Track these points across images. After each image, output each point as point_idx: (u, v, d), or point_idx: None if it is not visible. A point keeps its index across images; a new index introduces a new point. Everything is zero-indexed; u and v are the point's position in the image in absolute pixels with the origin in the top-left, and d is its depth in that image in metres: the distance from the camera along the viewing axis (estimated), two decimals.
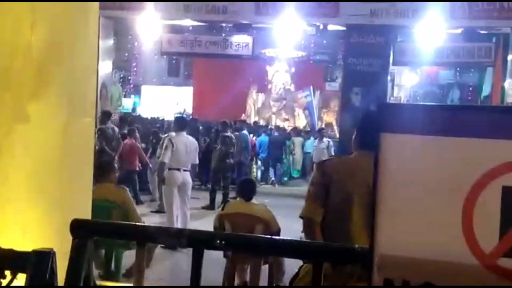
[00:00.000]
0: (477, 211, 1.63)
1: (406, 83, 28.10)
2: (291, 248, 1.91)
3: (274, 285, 6.51)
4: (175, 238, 1.88)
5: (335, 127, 24.14)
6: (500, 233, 1.61)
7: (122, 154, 12.37)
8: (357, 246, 1.91)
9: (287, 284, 6.39)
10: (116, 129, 12.80)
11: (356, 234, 3.38)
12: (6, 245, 2.06)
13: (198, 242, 1.87)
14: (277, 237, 2.01)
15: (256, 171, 17.38)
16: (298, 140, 19.62)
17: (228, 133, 13.66)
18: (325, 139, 17.07)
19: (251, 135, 17.46)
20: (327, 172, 3.53)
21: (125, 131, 13.32)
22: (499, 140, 1.62)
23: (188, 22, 18.45)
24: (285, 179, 18.99)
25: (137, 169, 12.84)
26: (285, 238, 2.02)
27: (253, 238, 2.11)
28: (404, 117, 1.73)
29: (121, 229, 2.19)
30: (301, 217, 3.56)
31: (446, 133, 1.67)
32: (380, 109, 1.74)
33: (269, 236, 2.01)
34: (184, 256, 8.27)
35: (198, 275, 1.88)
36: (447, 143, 1.67)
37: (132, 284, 2.07)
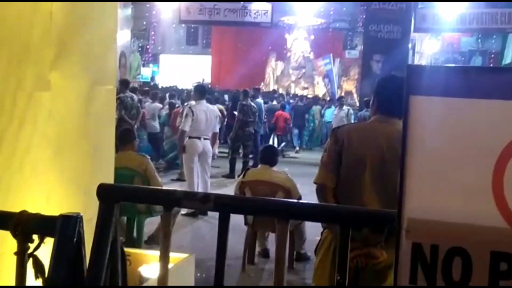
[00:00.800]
0: (507, 174, 1.61)
1: (427, 51, 27.80)
2: (318, 213, 1.90)
3: (295, 252, 6.56)
4: (202, 203, 1.88)
5: (355, 95, 23.99)
6: None
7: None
8: (385, 210, 1.89)
9: (307, 251, 6.46)
10: (135, 97, 12.79)
11: (368, 199, 3.36)
12: (31, 211, 2.07)
13: (225, 206, 1.86)
14: (302, 201, 2.00)
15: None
16: (317, 108, 19.53)
17: (248, 102, 13.59)
18: (344, 107, 16.97)
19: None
20: (339, 139, 3.50)
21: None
22: None
23: None
24: (304, 146, 18.98)
25: None
26: (310, 202, 2.00)
27: (279, 202, 2.10)
28: (433, 79, 1.69)
29: (148, 193, 2.20)
30: (315, 183, 3.55)
31: (476, 95, 1.63)
32: (409, 71, 1.70)
33: (295, 201, 2.00)
34: (205, 223, 8.34)
35: (225, 239, 1.88)
36: (477, 105, 1.64)
37: (158, 252, 2.07)
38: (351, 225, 1.80)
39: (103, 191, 1.99)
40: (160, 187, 5.54)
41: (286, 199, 2.00)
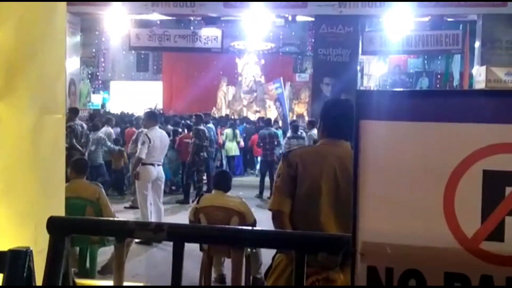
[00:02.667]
0: (458, 195, 1.63)
1: (375, 73, 28.30)
2: (272, 239, 1.89)
3: (251, 276, 6.52)
4: (155, 233, 1.85)
5: (306, 118, 24.17)
6: (482, 216, 1.62)
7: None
8: (339, 234, 1.89)
9: (263, 276, 6.42)
10: (85, 125, 12.70)
11: (326, 222, 3.38)
12: None
13: (178, 236, 1.84)
14: (257, 228, 1.99)
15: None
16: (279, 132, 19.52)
17: (201, 126, 13.58)
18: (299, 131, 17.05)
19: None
20: (292, 163, 3.51)
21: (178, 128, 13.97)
22: (478, 124, 1.62)
23: (156, 17, 18.32)
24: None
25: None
26: (265, 228, 2.00)
27: (234, 230, 2.09)
28: (382, 104, 1.72)
29: (100, 225, 2.16)
30: (269, 209, 3.55)
31: (425, 118, 1.66)
32: (358, 96, 1.72)
33: (249, 228, 1.99)
34: (159, 251, 8.23)
35: (180, 268, 1.86)
36: (426, 128, 1.67)
37: (111, 282, 2.03)
38: (306, 250, 1.80)
39: (53, 224, 1.95)
40: (112, 218, 5.44)
41: (239, 227, 1.98)
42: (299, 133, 14.49)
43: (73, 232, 2.03)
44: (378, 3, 16.14)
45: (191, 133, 13.70)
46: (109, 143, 13.00)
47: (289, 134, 14.75)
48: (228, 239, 1.85)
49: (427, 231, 1.65)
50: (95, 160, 12.59)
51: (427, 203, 1.66)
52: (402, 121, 1.68)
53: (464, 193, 1.63)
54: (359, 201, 1.70)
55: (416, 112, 1.66)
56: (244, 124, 20.36)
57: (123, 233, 1.91)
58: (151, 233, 1.88)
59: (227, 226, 1.89)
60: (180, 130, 15.10)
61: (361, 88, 23.65)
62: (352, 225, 1.71)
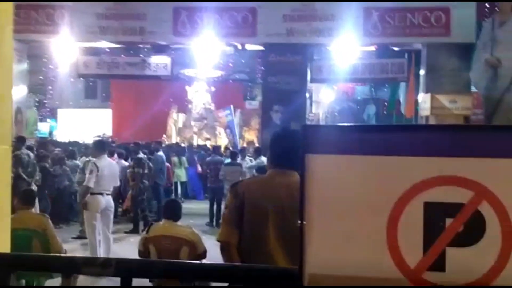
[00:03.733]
0: (401, 227, 1.68)
1: (324, 100, 28.68)
2: (218, 273, 1.90)
3: None
4: (103, 268, 1.84)
5: (257, 145, 24.29)
6: (424, 247, 1.66)
7: None
8: (286, 267, 1.92)
9: None
10: (32, 154, 12.47)
11: (273, 253, 3.39)
12: None
13: (126, 271, 1.83)
14: (203, 262, 2.00)
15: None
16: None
17: (140, 155, 13.52)
18: (247, 158, 17.09)
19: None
20: (239, 194, 3.53)
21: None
22: (418, 157, 1.68)
23: (104, 44, 18.21)
24: None
25: None
26: (211, 262, 2.01)
27: (182, 264, 2.08)
28: (327, 138, 1.76)
29: (45, 261, 2.12)
30: (218, 240, 3.55)
31: (365, 151, 1.71)
32: (304, 130, 1.76)
33: (197, 262, 1.99)
34: (108, 282, 8.08)
35: None
36: (369, 161, 1.71)
37: None
38: (255, 284, 1.81)
39: None
40: (58, 254, 5.35)
41: (188, 261, 1.97)
42: (238, 160, 14.56)
43: (19, 268, 2.00)
44: (326, 32, 16.44)
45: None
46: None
47: (226, 161, 14.83)
48: (176, 274, 1.84)
49: (372, 263, 1.69)
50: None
51: (371, 235, 1.69)
52: (346, 154, 1.73)
53: (407, 225, 1.68)
54: (305, 233, 1.73)
55: (359, 145, 1.71)
56: (201, 151, 20.52)
57: (70, 269, 1.89)
58: (98, 268, 1.86)
59: (175, 260, 1.87)
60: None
61: (310, 115, 23.94)
62: (299, 258, 1.74)
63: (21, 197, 6.55)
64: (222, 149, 20.26)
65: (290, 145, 3.58)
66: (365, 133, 1.75)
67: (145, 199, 13.50)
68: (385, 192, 1.69)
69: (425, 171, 1.67)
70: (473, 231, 1.65)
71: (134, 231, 12.72)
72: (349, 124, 1.79)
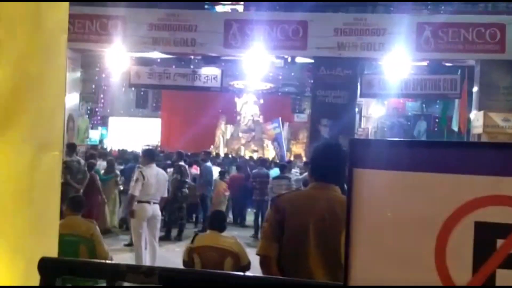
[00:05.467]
0: (450, 247, 1.63)
1: (373, 115, 28.42)
2: (266, 286, 1.88)
3: None
4: (146, 276, 1.84)
5: (304, 158, 24.22)
6: (473, 268, 1.61)
7: None
8: (331, 283, 1.88)
9: None
10: (82, 161, 12.65)
11: (313, 268, 3.35)
12: None
13: (170, 280, 1.83)
14: (249, 274, 1.98)
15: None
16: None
17: (181, 163, 13.57)
18: (293, 171, 17.03)
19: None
20: (280, 208, 3.50)
21: None
22: (471, 175, 1.63)
23: (156, 55, 18.47)
24: None
25: None
26: (259, 275, 1.99)
27: (226, 275, 2.07)
28: (375, 153, 1.73)
29: (90, 267, 2.14)
30: (257, 254, 3.53)
31: (417, 168, 1.67)
32: (352, 144, 1.73)
33: (240, 273, 1.97)
34: None
35: None
36: (417, 178, 1.67)
37: None
38: None
39: (44, 265, 1.94)
40: (103, 260, 5.40)
41: (232, 273, 1.97)
42: (286, 174, 14.50)
43: (65, 273, 2.01)
44: (377, 46, 16.32)
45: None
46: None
47: (272, 173, 14.79)
48: (220, 285, 1.83)
49: (418, 282, 1.65)
50: None
51: (418, 253, 1.65)
52: (395, 170, 1.69)
53: (456, 245, 1.63)
54: (351, 249, 1.70)
55: (408, 161, 1.67)
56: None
57: (114, 275, 1.90)
58: (142, 276, 1.86)
59: (219, 271, 1.86)
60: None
61: (359, 130, 23.75)
62: (344, 273, 1.71)
63: (70, 203, 6.66)
64: (270, 160, 20.21)
65: (332, 159, 3.54)
66: (415, 149, 1.71)
67: (183, 208, 13.42)
68: (434, 210, 1.65)
69: (477, 190, 1.62)
70: None
71: (165, 237, 12.64)
72: (398, 139, 1.74)
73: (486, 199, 1.62)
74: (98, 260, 4.88)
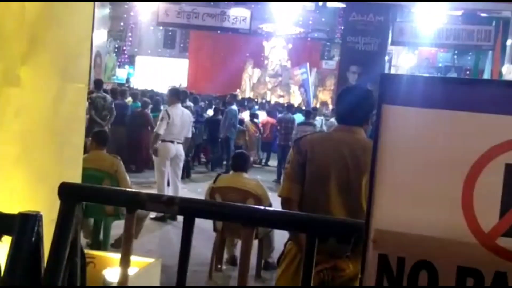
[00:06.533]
0: (478, 188, 1.58)
1: (403, 64, 28.02)
2: (285, 220, 1.86)
3: (263, 260, 6.51)
4: (166, 206, 1.83)
5: (330, 106, 24.08)
6: (501, 211, 1.56)
7: None
8: (352, 220, 1.86)
9: (276, 260, 6.40)
10: (109, 98, 12.60)
11: (334, 210, 3.33)
12: None
13: (189, 210, 1.81)
14: (270, 208, 1.96)
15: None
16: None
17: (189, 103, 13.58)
18: (318, 118, 16.90)
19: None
20: (302, 150, 3.46)
21: None
22: (503, 115, 1.56)
23: None
24: None
25: None
26: (278, 209, 1.96)
27: (245, 208, 2.05)
28: (406, 89, 1.67)
29: (110, 194, 2.13)
30: (279, 196, 3.52)
31: (449, 106, 1.61)
32: (382, 80, 1.67)
33: (262, 207, 1.95)
34: (173, 228, 8.25)
35: (189, 244, 1.83)
36: (449, 117, 1.61)
37: (119, 254, 2.01)
38: (318, 233, 1.76)
39: (64, 190, 1.93)
40: (123, 188, 5.43)
41: (252, 205, 1.95)
42: (311, 120, 14.42)
43: (84, 199, 2.01)
44: None
45: None
46: None
47: (301, 120, 14.71)
48: (239, 217, 1.81)
49: (442, 223, 1.61)
50: None
51: (445, 194, 1.61)
52: (426, 108, 1.63)
53: (484, 186, 1.58)
54: (375, 187, 1.66)
55: (441, 99, 1.61)
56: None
57: (134, 204, 1.89)
58: (162, 205, 1.85)
59: (239, 204, 1.85)
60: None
61: None
62: (366, 211, 1.67)
63: (95, 138, 6.69)
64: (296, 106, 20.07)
65: (356, 102, 3.49)
66: (448, 86, 1.64)
67: (190, 146, 13.38)
68: (464, 150, 1.59)
69: (508, 131, 1.56)
70: None
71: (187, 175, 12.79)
72: (430, 75, 1.67)
73: None
74: (118, 188, 4.91)
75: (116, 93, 14.08)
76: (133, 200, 1.89)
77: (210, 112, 15.96)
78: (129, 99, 14.85)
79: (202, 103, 16.19)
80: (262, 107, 20.22)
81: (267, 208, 1.88)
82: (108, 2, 18.44)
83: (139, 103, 14.25)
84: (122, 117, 13.36)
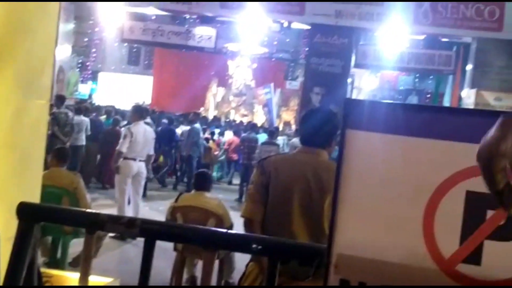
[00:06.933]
0: (439, 214, 1.60)
1: (365, 87, 28.36)
2: (246, 243, 1.85)
3: (223, 281, 6.46)
4: (127, 227, 1.80)
5: (293, 126, 24.19)
6: (461, 238, 1.58)
7: None
8: (314, 244, 1.85)
9: (236, 281, 6.36)
10: (71, 114, 12.50)
11: (297, 232, 3.34)
12: None
13: (150, 232, 1.79)
14: (231, 231, 1.94)
15: None
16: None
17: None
18: (280, 137, 16.92)
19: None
20: (265, 170, 3.48)
21: None
22: (464, 143, 1.59)
23: (151, 11, 18.22)
24: None
25: None
26: (240, 232, 1.95)
27: (207, 231, 2.04)
28: (370, 114, 1.68)
29: (70, 215, 2.10)
30: (241, 216, 3.52)
31: (411, 133, 1.63)
32: (346, 105, 1.68)
33: (223, 230, 1.94)
34: (133, 247, 8.14)
35: (149, 267, 1.81)
36: (412, 143, 1.63)
37: (77, 273, 1.97)
38: (280, 257, 1.76)
39: (23, 210, 1.89)
40: (83, 209, 5.35)
41: (214, 228, 1.93)
42: (274, 140, 14.48)
43: (43, 219, 1.97)
44: (375, 17, 16.18)
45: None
46: None
47: (264, 139, 14.76)
48: (201, 240, 1.79)
49: (404, 248, 1.62)
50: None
51: (406, 219, 1.62)
52: (390, 133, 1.65)
53: (445, 213, 1.60)
54: (337, 211, 1.66)
55: (404, 126, 1.63)
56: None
57: (94, 225, 1.85)
58: (123, 227, 1.82)
59: (200, 226, 1.83)
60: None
61: None
62: (328, 236, 1.67)
63: (55, 154, 6.61)
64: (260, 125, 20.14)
65: (320, 124, 3.53)
66: (411, 113, 1.67)
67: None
68: (426, 177, 1.61)
69: (469, 158, 1.58)
70: None
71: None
72: (394, 102, 1.70)
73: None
74: (78, 208, 4.84)
75: (89, 110, 14.05)
76: (93, 221, 1.86)
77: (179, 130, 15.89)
78: (103, 116, 14.89)
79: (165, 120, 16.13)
80: (229, 126, 20.24)
81: (227, 231, 1.86)
82: (72, 17, 18.28)
83: (111, 120, 14.22)
84: (96, 133, 13.35)
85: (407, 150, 1.63)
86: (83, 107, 14.41)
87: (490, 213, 1.58)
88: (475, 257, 1.58)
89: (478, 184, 1.57)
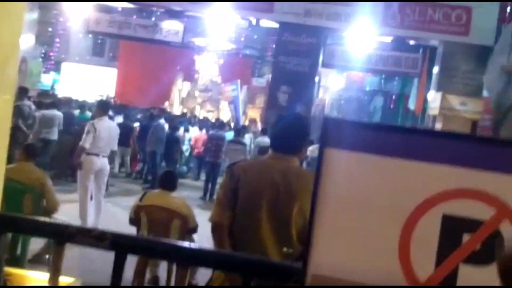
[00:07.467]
0: (415, 237, 1.59)
1: (332, 86, 28.46)
2: (218, 260, 1.82)
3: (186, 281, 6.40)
4: (97, 240, 1.75)
5: (259, 124, 24.21)
6: (437, 262, 1.58)
7: None
8: (290, 263, 1.83)
9: (199, 283, 6.31)
10: (33, 106, 12.34)
11: (265, 237, 3.33)
12: None
13: (122, 246, 1.74)
14: (207, 248, 1.91)
15: None
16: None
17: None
18: (247, 135, 16.90)
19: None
20: (235, 175, 3.46)
21: None
22: (443, 165, 1.58)
23: (118, 3, 18.00)
24: None
25: None
26: (213, 249, 1.92)
27: (180, 247, 1.99)
28: (349, 134, 1.67)
29: (39, 225, 2.04)
30: (209, 221, 3.50)
31: (391, 153, 1.62)
32: (325, 123, 1.66)
33: (196, 247, 1.90)
34: (103, 255, 7.99)
35: (119, 278, 1.77)
36: (390, 164, 1.62)
37: (41, 272, 1.92)
38: (253, 276, 1.73)
39: None
40: (52, 221, 5.25)
41: (188, 244, 1.88)
42: (240, 138, 14.44)
43: (10, 230, 1.91)
44: (343, 17, 16.25)
45: None
46: None
47: (231, 138, 14.71)
48: (174, 256, 1.76)
49: (379, 270, 1.61)
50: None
51: (383, 241, 1.61)
52: (367, 153, 1.63)
53: (421, 236, 1.59)
54: (313, 231, 1.65)
55: (383, 146, 1.62)
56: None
57: (63, 236, 1.80)
58: (93, 240, 1.78)
59: (172, 242, 1.78)
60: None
61: (316, 100, 23.78)
62: (304, 256, 1.65)
63: (25, 150, 6.51)
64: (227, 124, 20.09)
65: (291, 131, 3.52)
66: (390, 133, 1.65)
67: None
68: (403, 198, 1.60)
69: (447, 181, 1.58)
70: (490, 251, 1.55)
71: None
72: (374, 122, 1.67)
73: (456, 192, 1.58)
74: (47, 219, 4.73)
75: (61, 103, 13.90)
76: (63, 233, 1.81)
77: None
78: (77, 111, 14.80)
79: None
80: (194, 122, 20.15)
81: (202, 248, 1.83)
82: (37, 6, 17.96)
83: (86, 115, 14.04)
84: (69, 127, 13.15)
85: (386, 170, 1.62)
86: (57, 100, 14.27)
87: (466, 237, 1.57)
88: (450, 281, 1.58)
89: (455, 208, 1.58)
